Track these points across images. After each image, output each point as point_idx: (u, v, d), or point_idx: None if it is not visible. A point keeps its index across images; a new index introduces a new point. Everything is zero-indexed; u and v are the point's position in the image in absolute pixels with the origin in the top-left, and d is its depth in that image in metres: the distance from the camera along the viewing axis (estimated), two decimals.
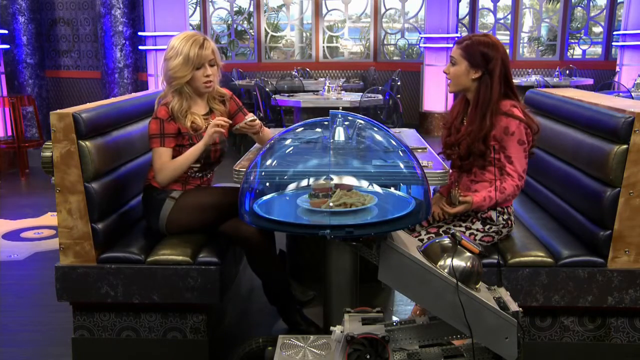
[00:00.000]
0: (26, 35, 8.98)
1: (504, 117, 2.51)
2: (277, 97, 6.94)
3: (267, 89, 7.34)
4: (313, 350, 2.01)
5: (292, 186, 2.04)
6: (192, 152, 2.67)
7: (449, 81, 2.64)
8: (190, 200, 2.68)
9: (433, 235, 2.55)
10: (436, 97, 9.61)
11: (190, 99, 2.72)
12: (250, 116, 2.82)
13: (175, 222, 2.68)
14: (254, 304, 3.33)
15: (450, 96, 9.57)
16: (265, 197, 2.02)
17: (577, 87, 7.86)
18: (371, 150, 2.08)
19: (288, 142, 2.14)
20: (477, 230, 2.59)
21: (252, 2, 10.49)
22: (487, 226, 2.60)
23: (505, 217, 2.62)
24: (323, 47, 10.67)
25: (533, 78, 8.53)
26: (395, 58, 10.92)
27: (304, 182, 2.00)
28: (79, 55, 9.57)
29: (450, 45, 9.42)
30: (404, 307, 3.23)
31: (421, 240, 2.51)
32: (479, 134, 2.52)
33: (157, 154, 2.65)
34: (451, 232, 1.93)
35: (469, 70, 2.55)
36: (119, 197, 2.78)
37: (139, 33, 8.37)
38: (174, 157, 2.67)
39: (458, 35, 9.72)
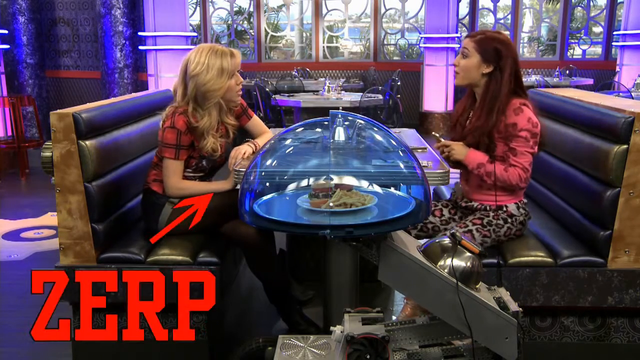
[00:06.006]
0: (26, 35, 8.98)
1: (513, 114, 2.50)
2: (277, 97, 6.94)
3: (267, 89, 7.33)
4: (313, 350, 2.02)
5: (292, 186, 2.04)
6: (209, 188, 2.67)
7: (456, 74, 2.62)
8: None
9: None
10: (436, 97, 9.61)
11: (219, 115, 2.69)
12: None
13: (175, 227, 2.66)
14: (254, 304, 3.32)
15: (451, 96, 9.57)
16: (265, 197, 2.02)
17: (577, 87, 7.85)
18: (371, 150, 2.08)
19: (288, 142, 2.14)
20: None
21: (252, 2, 10.49)
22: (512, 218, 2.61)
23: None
24: (323, 47, 10.66)
25: (533, 78, 8.52)
26: (395, 58, 10.92)
27: (304, 182, 2.00)
28: (79, 55, 9.56)
29: (451, 45, 9.42)
30: None
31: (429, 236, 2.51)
32: (484, 129, 2.51)
33: (170, 167, 2.62)
34: (451, 232, 1.94)
35: (480, 64, 2.54)
36: (119, 197, 2.78)
37: (139, 33, 8.36)
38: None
39: (458, 35, 9.71)
